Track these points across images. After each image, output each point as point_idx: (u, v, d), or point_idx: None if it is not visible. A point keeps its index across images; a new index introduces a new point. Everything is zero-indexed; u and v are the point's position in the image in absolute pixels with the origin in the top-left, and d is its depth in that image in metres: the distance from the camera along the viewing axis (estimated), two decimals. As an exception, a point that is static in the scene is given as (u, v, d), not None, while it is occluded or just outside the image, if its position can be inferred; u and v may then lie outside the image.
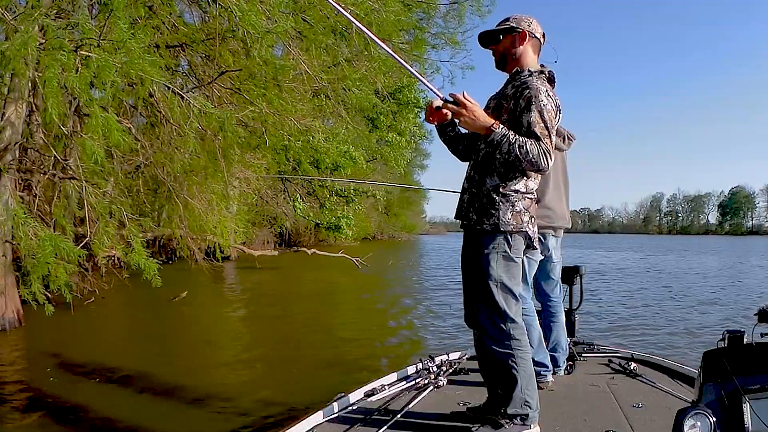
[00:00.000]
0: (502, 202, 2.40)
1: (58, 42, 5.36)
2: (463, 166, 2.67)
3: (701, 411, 1.55)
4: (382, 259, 24.25)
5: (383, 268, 20.91)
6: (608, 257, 30.91)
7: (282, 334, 8.51)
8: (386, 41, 8.51)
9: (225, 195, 10.09)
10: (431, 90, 2.39)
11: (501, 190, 2.40)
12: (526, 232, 2.43)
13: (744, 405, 1.56)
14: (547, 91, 2.36)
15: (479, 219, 2.43)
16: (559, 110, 2.40)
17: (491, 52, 2.60)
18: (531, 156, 2.26)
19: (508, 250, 2.41)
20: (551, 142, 2.31)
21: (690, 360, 4.56)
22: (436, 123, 2.59)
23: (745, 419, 1.54)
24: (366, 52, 8.85)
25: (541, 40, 2.57)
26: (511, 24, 2.52)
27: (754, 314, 1.99)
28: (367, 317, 10.33)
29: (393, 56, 2.49)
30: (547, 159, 2.28)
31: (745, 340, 1.83)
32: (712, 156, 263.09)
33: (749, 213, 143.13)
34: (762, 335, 1.84)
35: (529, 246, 2.51)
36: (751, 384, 1.59)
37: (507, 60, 2.54)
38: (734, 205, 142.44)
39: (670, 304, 11.76)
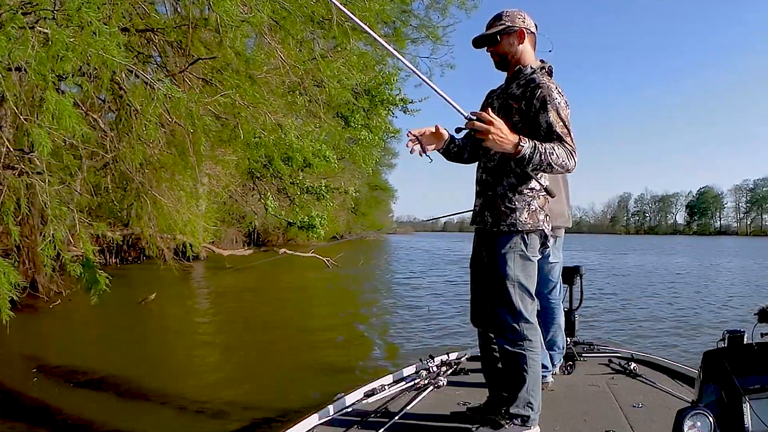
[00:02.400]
0: (518, 202, 2.40)
1: (9, 15, 4.78)
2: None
3: (701, 411, 1.57)
4: (353, 259, 24.22)
5: (355, 269, 20.89)
6: (589, 258, 31.25)
7: (258, 337, 8.37)
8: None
9: (195, 192, 9.83)
10: (453, 106, 2.23)
11: (517, 189, 2.41)
12: (543, 230, 2.44)
13: (744, 405, 1.59)
14: (557, 87, 2.35)
15: (495, 221, 2.43)
16: (568, 105, 2.38)
17: (489, 54, 2.54)
18: (561, 160, 2.24)
19: (524, 250, 2.41)
20: (572, 139, 2.31)
21: (690, 360, 4.60)
22: (431, 150, 2.52)
23: (745, 419, 1.57)
24: (341, 47, 8.63)
25: (536, 32, 2.53)
26: (507, 23, 2.46)
27: (754, 314, 2.00)
28: (346, 319, 10.26)
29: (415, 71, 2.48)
30: (574, 158, 2.28)
31: (745, 340, 1.85)
32: (680, 157, 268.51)
33: (717, 213, 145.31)
34: (762, 335, 1.86)
35: (544, 244, 2.50)
36: (751, 384, 1.63)
37: (508, 60, 2.51)
38: (702, 205, 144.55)
39: (668, 303, 11.83)
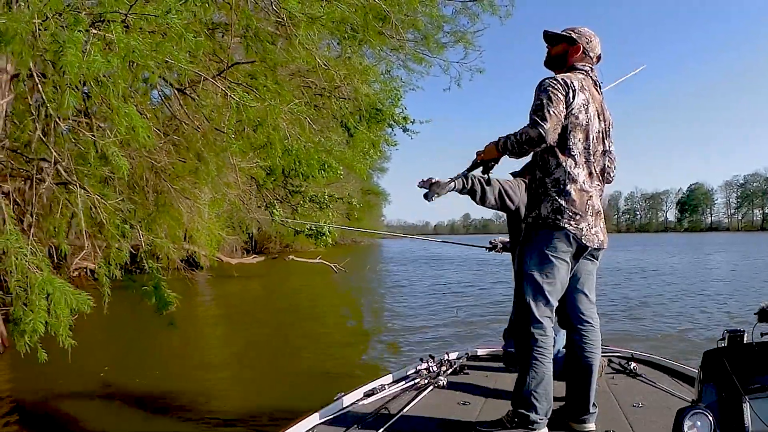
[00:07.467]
0: (543, 195, 2.41)
1: (72, 16, 4.16)
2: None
3: (701, 411, 1.62)
4: (356, 264, 24.05)
5: (362, 274, 20.78)
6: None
7: (278, 343, 8.48)
8: (400, 38, 7.95)
9: (216, 200, 9.87)
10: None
11: (540, 181, 2.44)
12: (566, 229, 2.36)
13: (744, 405, 1.62)
14: (553, 77, 2.42)
15: (527, 213, 2.50)
16: (569, 86, 2.37)
17: (547, 48, 2.64)
18: (521, 134, 2.32)
19: (544, 247, 2.37)
20: (542, 113, 2.31)
21: (690, 359, 4.69)
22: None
23: (745, 419, 1.60)
24: (352, 52, 8.44)
25: (595, 60, 2.60)
26: (572, 35, 2.55)
27: (755, 314, 2.02)
28: (361, 323, 10.35)
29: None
30: (536, 127, 2.28)
31: (745, 339, 1.88)
32: (670, 154, 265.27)
33: (708, 210, 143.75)
34: (762, 335, 1.87)
35: (581, 249, 2.41)
36: (751, 384, 1.65)
37: (554, 63, 2.60)
38: (693, 202, 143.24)
39: (668, 303, 11.72)
